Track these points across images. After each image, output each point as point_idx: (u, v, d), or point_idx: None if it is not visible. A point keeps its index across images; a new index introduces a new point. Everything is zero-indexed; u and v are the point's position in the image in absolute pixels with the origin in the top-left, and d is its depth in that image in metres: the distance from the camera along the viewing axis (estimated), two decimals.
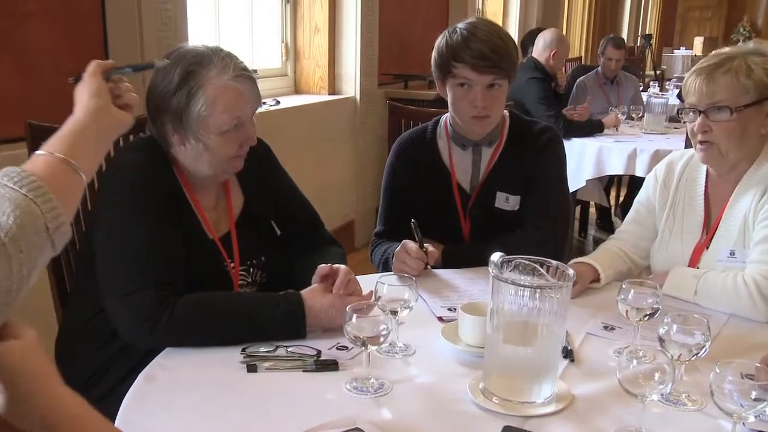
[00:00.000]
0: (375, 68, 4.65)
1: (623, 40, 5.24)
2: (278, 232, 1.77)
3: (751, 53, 1.69)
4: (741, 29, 16.49)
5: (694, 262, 1.79)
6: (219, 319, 1.43)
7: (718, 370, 1.06)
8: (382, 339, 1.26)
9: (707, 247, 1.78)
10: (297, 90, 4.51)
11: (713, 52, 1.75)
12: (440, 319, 1.57)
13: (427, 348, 1.44)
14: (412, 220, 1.82)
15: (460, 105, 1.88)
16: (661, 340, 1.23)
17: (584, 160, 4.15)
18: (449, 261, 1.92)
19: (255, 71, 4.01)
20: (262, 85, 4.14)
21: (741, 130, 1.68)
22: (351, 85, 4.52)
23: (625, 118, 4.59)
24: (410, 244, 1.80)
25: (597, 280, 1.77)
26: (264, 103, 3.80)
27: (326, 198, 4.30)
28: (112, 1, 2.71)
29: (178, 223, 1.53)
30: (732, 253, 1.72)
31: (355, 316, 1.24)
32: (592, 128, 4.32)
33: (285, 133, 3.79)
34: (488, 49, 1.81)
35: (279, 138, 3.76)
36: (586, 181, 4.18)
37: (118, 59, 2.76)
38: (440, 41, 1.88)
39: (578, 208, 5.10)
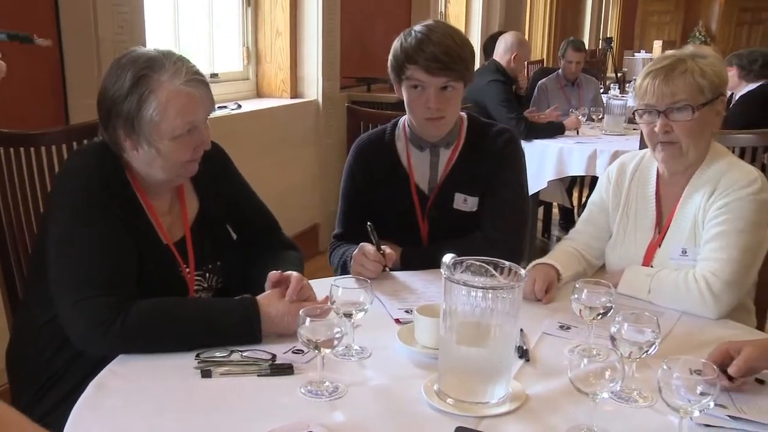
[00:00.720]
0: (337, 72, 4.65)
1: (583, 43, 5.32)
2: (234, 236, 1.76)
3: (695, 56, 1.73)
4: (697, 33, 16.88)
5: (647, 260, 1.82)
6: (173, 324, 1.41)
7: (665, 367, 1.07)
8: (336, 342, 1.25)
9: (660, 246, 1.81)
10: (259, 94, 4.49)
11: (659, 55, 1.80)
12: (397, 321, 1.57)
13: (384, 350, 1.43)
14: (368, 223, 1.82)
15: (415, 107, 1.89)
16: (613, 339, 1.24)
17: (546, 162, 4.19)
18: (407, 263, 1.92)
19: (216, 75, 4.04)
20: (224, 89, 4.15)
21: (700, 129, 1.73)
22: (313, 89, 4.50)
23: (586, 120, 4.65)
24: (367, 247, 1.80)
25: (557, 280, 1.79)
26: (225, 107, 3.78)
27: (290, 202, 4.28)
28: (66, 4, 2.67)
29: (131, 229, 1.51)
30: (684, 252, 1.76)
31: (308, 319, 1.23)
32: (553, 130, 4.36)
33: (246, 137, 3.77)
34: (441, 52, 1.81)
35: (240, 142, 3.75)
36: (548, 182, 4.22)
37: (73, 63, 2.74)
38: (396, 44, 1.89)
39: (541, 209, 5.16)
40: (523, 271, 1.21)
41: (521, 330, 1.51)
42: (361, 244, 1.82)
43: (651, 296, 1.69)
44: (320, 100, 4.50)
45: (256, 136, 3.88)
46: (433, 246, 1.97)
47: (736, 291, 1.64)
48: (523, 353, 1.41)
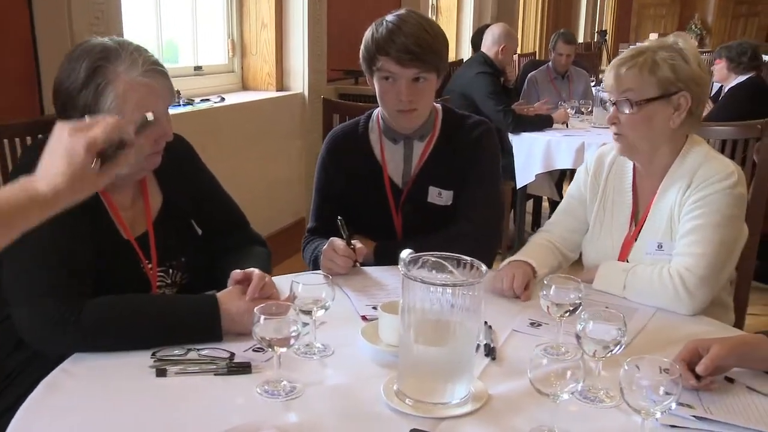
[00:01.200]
0: (324, 64, 4.59)
1: (573, 35, 5.27)
2: (199, 231, 1.72)
3: (661, 48, 1.69)
4: (693, 26, 16.82)
5: (623, 255, 1.78)
6: (129, 322, 1.37)
7: (626, 367, 1.04)
8: (292, 341, 1.21)
9: (636, 240, 1.77)
10: (245, 86, 4.43)
11: (631, 47, 1.76)
12: (364, 318, 1.53)
13: (347, 348, 1.40)
14: (339, 217, 1.78)
15: (386, 99, 1.85)
16: (578, 337, 1.21)
17: (533, 155, 4.15)
18: (381, 258, 1.89)
19: (201, 68, 3.99)
20: (208, 82, 4.10)
21: (646, 124, 1.69)
22: (299, 82, 4.44)
23: (575, 113, 4.61)
24: (337, 242, 1.76)
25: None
26: (208, 99, 3.73)
27: (275, 195, 4.24)
28: None
29: (89, 225, 1.47)
30: (660, 246, 1.72)
31: (263, 317, 1.19)
32: (541, 123, 4.32)
33: (230, 131, 3.72)
34: (412, 43, 1.77)
35: (224, 135, 3.71)
36: (536, 175, 4.18)
37: (47, 55, 2.69)
38: (367, 34, 1.84)
39: (530, 202, 5.12)
40: (484, 267, 1.17)
41: (490, 327, 1.48)
42: (331, 239, 1.78)
43: (626, 292, 1.65)
44: (306, 92, 4.45)
45: (240, 130, 3.84)
46: (406, 240, 1.93)
47: (711, 287, 1.61)
48: (489, 351, 1.37)
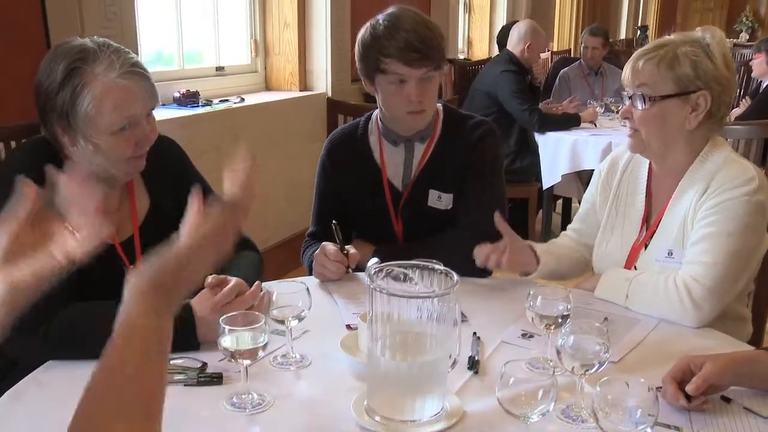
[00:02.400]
0: (347, 63, 4.54)
1: (601, 28, 5.15)
2: None
3: (686, 42, 1.59)
4: (744, 19, 16.31)
5: (631, 260, 1.69)
6: (102, 330, 1.32)
7: (599, 389, 0.96)
8: (260, 353, 1.17)
9: (646, 246, 1.68)
10: (268, 87, 4.41)
11: (656, 40, 1.67)
12: (348, 327, 1.48)
13: (326, 359, 1.35)
14: (333, 222, 1.73)
15: (394, 102, 1.78)
16: (558, 352, 1.13)
17: (559, 155, 4.06)
18: (382, 262, 1.82)
19: (223, 68, 3.98)
20: (230, 82, 4.10)
21: (660, 121, 1.60)
22: (322, 82, 4.40)
23: (604, 111, 4.48)
24: (329, 247, 1.71)
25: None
26: (227, 100, 3.72)
27: (297, 196, 4.20)
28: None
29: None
30: (670, 253, 1.62)
31: (227, 328, 1.15)
32: (568, 122, 4.21)
33: (250, 131, 3.71)
34: (417, 40, 1.71)
35: (243, 136, 3.70)
36: (562, 176, 4.08)
37: None
38: (364, 35, 1.78)
39: (560, 203, 5.00)
40: (456, 277, 1.10)
41: (478, 338, 1.41)
42: (323, 244, 1.74)
43: (628, 302, 1.57)
44: (329, 92, 4.41)
45: (261, 130, 3.82)
46: (406, 245, 1.88)
47: (719, 299, 1.50)
48: (472, 364, 1.30)
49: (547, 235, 4.36)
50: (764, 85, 4.17)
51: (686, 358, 1.17)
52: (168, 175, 1.64)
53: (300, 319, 1.30)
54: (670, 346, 1.40)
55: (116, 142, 1.44)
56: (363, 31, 1.78)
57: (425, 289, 1.11)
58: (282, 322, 1.29)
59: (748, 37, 15.36)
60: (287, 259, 3.67)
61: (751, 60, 4.28)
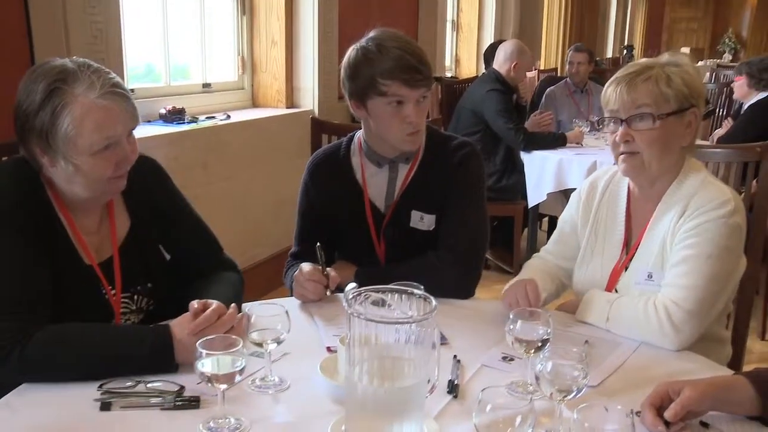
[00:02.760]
0: (335, 81, 4.55)
1: (584, 45, 5.19)
2: (167, 256, 1.67)
3: (667, 64, 1.62)
4: (726, 40, 16.56)
5: (611, 283, 1.69)
6: (77, 353, 1.32)
7: (576, 416, 0.96)
8: (237, 377, 1.16)
9: (626, 269, 1.68)
10: (255, 104, 4.41)
11: (630, 63, 1.68)
12: (329, 349, 1.47)
13: (305, 382, 1.33)
14: (317, 244, 1.72)
15: (392, 124, 1.75)
16: (536, 378, 1.13)
17: (545, 174, 4.07)
18: (361, 284, 1.81)
19: (209, 85, 3.98)
20: (217, 99, 4.09)
21: (664, 140, 1.60)
22: (309, 99, 4.42)
23: (589, 130, 4.51)
24: (308, 268, 1.71)
25: None
26: (213, 117, 3.72)
27: (283, 213, 4.18)
28: (37, 15, 2.61)
29: (48, 250, 1.44)
30: (649, 276, 1.63)
31: (204, 352, 1.14)
32: (554, 141, 4.23)
33: (236, 148, 3.70)
34: (415, 61, 1.70)
35: (229, 153, 3.69)
36: (548, 194, 4.09)
37: None
38: (355, 58, 1.75)
39: (545, 221, 5.02)
40: (434, 302, 1.10)
41: (458, 361, 1.40)
42: (302, 264, 1.73)
43: (609, 324, 1.57)
44: (316, 110, 4.42)
45: (247, 147, 3.81)
46: (388, 266, 1.87)
47: (699, 321, 1.51)
48: (452, 388, 1.30)
49: (532, 252, 4.36)
50: (745, 107, 4.21)
51: (665, 383, 1.16)
52: (149, 195, 1.63)
53: (279, 342, 1.29)
54: (651, 369, 1.40)
55: (96, 163, 1.43)
56: (353, 53, 1.76)
57: (403, 314, 1.10)
58: (261, 345, 1.28)
59: (731, 58, 15.58)
60: (274, 276, 3.66)
61: (733, 82, 4.33)
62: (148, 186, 1.63)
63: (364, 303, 1.08)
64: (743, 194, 1.94)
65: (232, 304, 1.44)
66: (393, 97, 1.72)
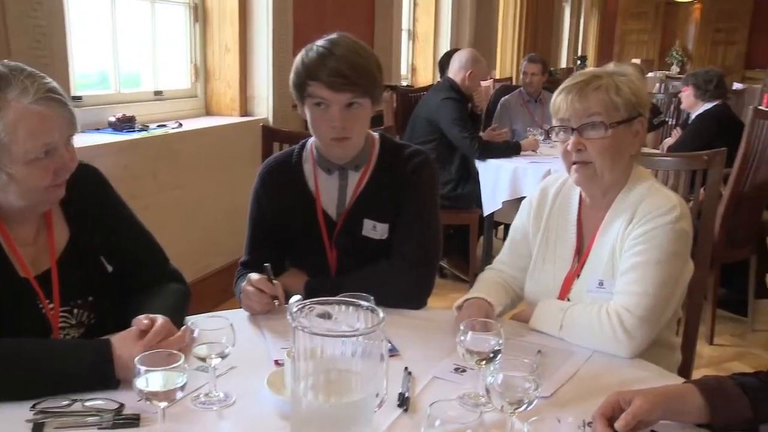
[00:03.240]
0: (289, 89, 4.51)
1: (538, 55, 5.25)
2: (109, 268, 1.61)
3: (614, 73, 1.64)
4: (674, 53, 17.02)
5: (564, 292, 1.69)
6: (9, 371, 1.25)
7: (527, 429, 0.94)
8: (178, 394, 1.11)
9: (578, 276, 1.68)
10: (208, 112, 4.35)
11: (577, 72, 1.69)
12: (276, 362, 1.43)
13: (251, 397, 1.29)
14: (266, 264, 1.69)
15: (319, 126, 1.75)
16: (487, 391, 1.11)
17: (500, 182, 4.08)
18: (312, 295, 1.77)
19: (161, 92, 3.90)
20: (169, 107, 4.01)
21: (615, 148, 1.61)
22: (263, 107, 4.37)
23: (544, 139, 4.54)
24: (255, 278, 1.66)
25: None
26: (164, 125, 3.64)
27: (237, 222, 4.10)
28: None
29: None
30: (601, 283, 1.63)
31: (143, 369, 1.09)
32: (509, 150, 4.25)
33: (188, 157, 3.63)
34: (345, 66, 1.68)
35: (180, 162, 3.62)
36: (503, 203, 4.11)
37: None
38: (297, 59, 1.76)
39: (501, 229, 5.04)
40: (381, 313, 1.07)
41: (410, 373, 1.38)
42: (249, 275, 1.69)
43: (563, 333, 1.56)
44: (271, 118, 4.37)
45: (199, 156, 3.74)
46: (339, 277, 1.84)
47: (651, 327, 1.51)
48: (402, 401, 1.27)
49: (488, 260, 4.37)
50: (693, 117, 4.30)
51: (615, 393, 1.15)
52: (89, 205, 1.57)
53: (223, 356, 1.25)
54: (603, 378, 1.39)
55: (32, 171, 1.37)
56: (298, 55, 1.76)
57: (350, 327, 1.07)
58: (204, 359, 1.23)
59: (678, 70, 16.00)
60: (228, 286, 3.58)
61: (681, 92, 4.42)
62: (88, 195, 1.57)
63: (309, 316, 1.05)
64: (692, 202, 1.97)
65: (184, 326, 1.38)
66: (316, 98, 1.71)
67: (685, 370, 1.84)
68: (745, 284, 3.65)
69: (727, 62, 16.14)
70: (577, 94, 1.60)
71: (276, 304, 1.67)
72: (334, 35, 1.76)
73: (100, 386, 1.28)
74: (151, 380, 1.10)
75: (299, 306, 1.04)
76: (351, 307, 1.09)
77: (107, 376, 1.28)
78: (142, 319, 1.35)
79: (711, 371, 3.24)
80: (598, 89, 1.59)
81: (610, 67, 1.68)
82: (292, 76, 1.77)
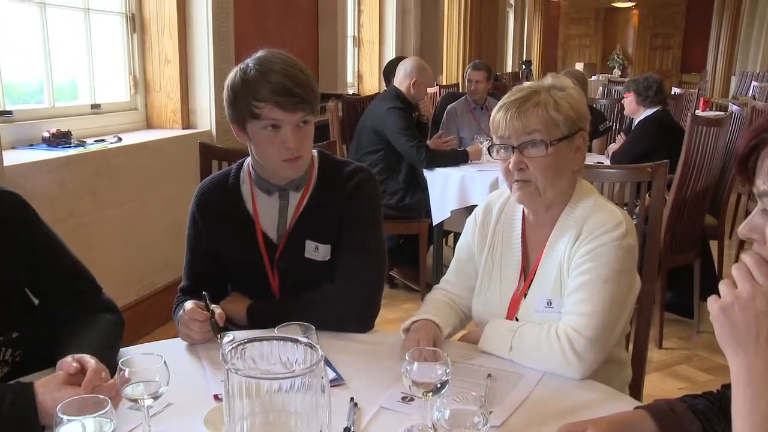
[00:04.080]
0: None
1: (484, 63, 5.26)
2: (35, 301, 1.52)
3: (552, 87, 1.60)
4: (615, 56, 17.44)
5: (511, 312, 1.66)
6: None
7: None
8: None
9: (525, 296, 1.65)
10: (149, 125, 4.22)
11: (515, 87, 1.65)
12: (216, 397, 1.36)
13: None
14: (204, 293, 1.62)
15: (270, 150, 1.67)
16: (434, 428, 1.06)
17: (448, 191, 4.06)
18: (254, 320, 1.72)
19: (99, 105, 3.77)
20: (107, 121, 3.87)
21: (556, 166, 1.58)
22: (206, 119, 4.26)
23: (488, 147, 4.54)
24: (191, 306, 1.59)
25: None
26: (103, 140, 3.51)
27: (182, 238, 3.99)
28: None
29: None
30: (549, 303, 1.60)
31: (65, 418, 1.01)
32: (456, 158, 4.24)
33: (127, 172, 3.51)
34: (292, 84, 1.61)
35: (120, 178, 3.49)
36: (452, 211, 4.09)
37: None
38: (233, 79, 1.67)
39: (451, 237, 5.03)
40: (320, 351, 1.01)
41: (355, 404, 1.32)
42: (186, 303, 1.62)
43: (512, 354, 1.52)
44: (214, 130, 4.27)
45: (140, 171, 3.62)
46: (282, 301, 1.78)
47: (601, 347, 1.49)
48: None
49: (438, 269, 4.36)
50: (636, 122, 4.36)
51: (567, 426, 1.12)
52: (9, 234, 1.47)
53: (156, 397, 1.18)
54: (554, 403, 1.36)
55: None
56: (232, 75, 1.68)
57: (287, 363, 1.01)
58: (136, 401, 1.16)
59: (620, 74, 16.39)
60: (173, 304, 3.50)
61: (623, 98, 4.48)
62: (9, 224, 1.47)
63: (242, 356, 0.99)
64: (638, 208, 1.96)
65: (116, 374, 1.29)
66: (268, 120, 1.63)
67: (635, 387, 1.83)
68: (691, 287, 3.71)
69: (665, 66, 16.61)
70: (516, 111, 1.57)
71: (217, 334, 1.59)
72: (262, 52, 1.68)
73: None
74: (75, 429, 1.02)
75: (232, 346, 0.98)
76: (289, 343, 1.04)
77: (29, 422, 1.19)
78: (71, 362, 1.26)
79: (660, 376, 3.27)
80: (537, 105, 1.56)
81: (548, 80, 1.65)
82: (229, 96, 1.68)
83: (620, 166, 2.02)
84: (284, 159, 1.68)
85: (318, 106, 1.73)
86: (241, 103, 1.65)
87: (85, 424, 1.03)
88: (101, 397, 1.07)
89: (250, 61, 1.65)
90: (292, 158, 1.68)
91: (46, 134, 3.23)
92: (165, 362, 1.20)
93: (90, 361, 1.27)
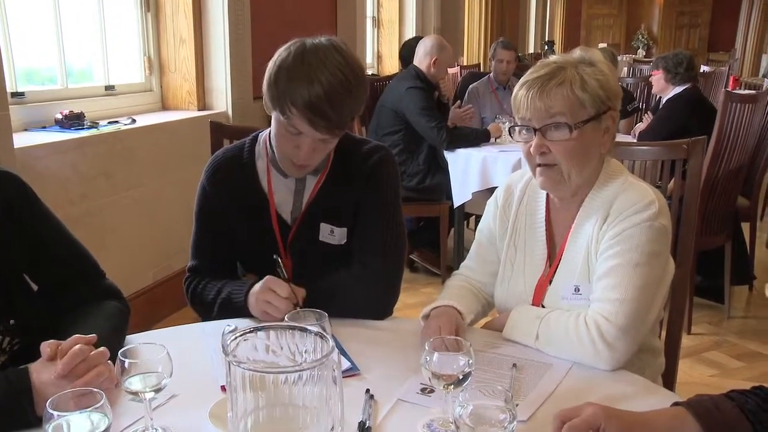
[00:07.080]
0: (248, 81, 4.32)
1: (511, 42, 5.11)
2: (34, 287, 1.45)
3: (580, 62, 1.48)
4: (640, 36, 17.10)
5: (537, 299, 1.55)
6: None
7: None
8: None
9: (551, 282, 1.55)
10: (164, 106, 4.15)
11: (540, 62, 1.53)
12: (223, 388, 1.28)
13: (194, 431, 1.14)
14: (274, 255, 1.56)
15: (283, 145, 1.59)
16: (456, 426, 0.97)
17: (469, 172, 3.96)
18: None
19: (113, 87, 3.70)
20: (122, 102, 3.81)
21: (582, 150, 1.46)
22: (222, 100, 4.18)
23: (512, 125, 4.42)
24: (276, 282, 1.52)
25: None
26: (117, 122, 3.45)
27: None
28: None
29: None
30: (577, 289, 1.50)
31: (56, 414, 0.93)
32: (477, 138, 4.13)
33: (142, 154, 3.45)
34: (330, 107, 1.48)
35: (135, 160, 3.43)
36: (473, 193, 3.98)
37: None
38: (281, 62, 1.52)
39: (473, 220, 4.93)
40: (332, 342, 0.93)
41: (371, 396, 1.24)
42: (267, 277, 1.53)
43: (539, 343, 1.43)
44: (230, 111, 4.19)
45: (155, 153, 3.56)
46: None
47: (633, 336, 1.39)
48: (363, 430, 1.13)
49: (459, 252, 4.26)
50: (664, 101, 4.22)
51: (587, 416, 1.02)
52: (9, 218, 1.39)
53: (158, 390, 1.10)
54: (585, 396, 1.25)
55: None
56: (284, 56, 1.53)
57: (295, 355, 0.93)
58: (137, 394, 1.08)
59: (644, 53, 16.07)
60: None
61: (650, 76, 4.33)
62: (9, 207, 1.39)
63: (245, 346, 0.90)
64: (672, 186, 1.84)
65: (102, 348, 1.22)
66: (293, 128, 1.54)
67: (668, 377, 1.72)
68: (721, 270, 3.58)
69: (691, 45, 16.26)
70: (538, 91, 1.44)
71: (298, 309, 1.48)
72: (322, 41, 1.54)
73: (15, 422, 1.12)
74: (65, 426, 0.94)
75: (234, 336, 0.90)
76: (297, 333, 0.95)
77: (24, 410, 1.12)
78: (45, 347, 1.19)
79: (689, 362, 3.16)
80: (562, 84, 1.44)
81: (577, 53, 1.53)
82: (269, 76, 1.55)
83: (653, 143, 1.90)
84: (291, 159, 1.61)
85: (347, 127, 1.62)
86: (276, 92, 1.53)
87: (77, 420, 0.95)
88: (95, 390, 1.00)
89: (305, 51, 1.51)
90: (298, 164, 1.60)
91: (59, 116, 3.17)
92: (168, 353, 1.12)
93: (73, 346, 1.19)
